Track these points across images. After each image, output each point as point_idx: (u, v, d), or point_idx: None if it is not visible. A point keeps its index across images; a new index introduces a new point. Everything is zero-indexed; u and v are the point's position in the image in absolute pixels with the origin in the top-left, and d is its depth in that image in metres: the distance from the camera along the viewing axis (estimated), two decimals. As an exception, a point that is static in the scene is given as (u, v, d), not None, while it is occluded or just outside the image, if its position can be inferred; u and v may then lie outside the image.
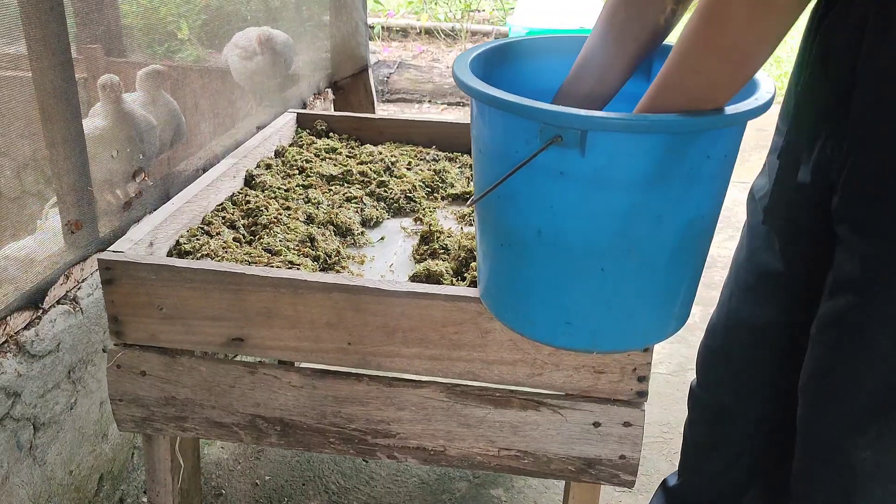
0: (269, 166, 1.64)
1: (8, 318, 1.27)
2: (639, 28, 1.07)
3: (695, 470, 1.46)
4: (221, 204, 1.49)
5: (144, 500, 1.64)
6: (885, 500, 1.06)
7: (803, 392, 1.13)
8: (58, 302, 1.38)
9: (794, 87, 1.10)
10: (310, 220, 1.44)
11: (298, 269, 1.25)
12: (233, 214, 1.44)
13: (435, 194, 1.61)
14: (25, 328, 1.31)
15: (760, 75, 0.97)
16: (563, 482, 1.70)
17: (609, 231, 0.92)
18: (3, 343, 1.27)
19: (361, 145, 1.82)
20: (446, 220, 1.50)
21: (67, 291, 1.40)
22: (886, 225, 0.96)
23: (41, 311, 1.34)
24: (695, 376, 1.42)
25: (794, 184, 1.13)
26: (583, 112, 0.86)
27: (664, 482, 1.55)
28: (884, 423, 1.03)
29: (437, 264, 1.26)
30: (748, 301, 1.27)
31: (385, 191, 1.57)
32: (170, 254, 1.31)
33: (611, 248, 0.93)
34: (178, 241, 1.33)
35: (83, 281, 1.43)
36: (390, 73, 5.03)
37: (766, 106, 0.91)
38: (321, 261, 1.31)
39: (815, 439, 1.12)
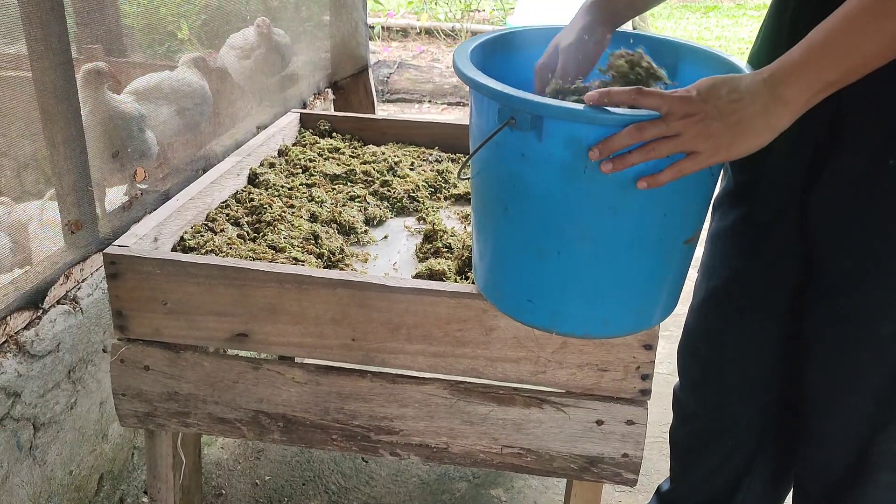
0: (272, 165, 1.64)
1: (8, 318, 1.26)
2: None
3: (684, 474, 1.46)
4: (225, 201, 1.49)
5: (145, 499, 1.63)
6: (892, 486, 1.07)
7: (811, 387, 1.14)
8: (58, 302, 1.37)
9: None
10: (313, 218, 1.44)
11: (303, 265, 1.25)
12: (237, 212, 1.44)
13: (438, 194, 1.61)
14: (25, 328, 1.30)
15: None
16: (563, 482, 1.70)
17: (563, 217, 0.93)
18: (3, 343, 1.26)
19: (364, 145, 1.82)
20: (449, 219, 1.50)
21: (67, 291, 1.39)
22: (879, 216, 0.97)
23: (41, 311, 1.33)
24: (678, 379, 1.41)
25: (761, 173, 1.12)
26: (536, 98, 0.88)
27: (658, 488, 1.55)
28: (893, 412, 1.03)
29: (439, 263, 1.26)
30: (720, 305, 1.25)
31: (388, 190, 1.57)
32: (174, 250, 1.31)
33: (565, 233, 0.94)
34: (182, 238, 1.33)
35: (83, 281, 1.43)
36: (390, 73, 5.04)
37: None
38: (325, 258, 1.31)
39: (824, 429, 1.13)
